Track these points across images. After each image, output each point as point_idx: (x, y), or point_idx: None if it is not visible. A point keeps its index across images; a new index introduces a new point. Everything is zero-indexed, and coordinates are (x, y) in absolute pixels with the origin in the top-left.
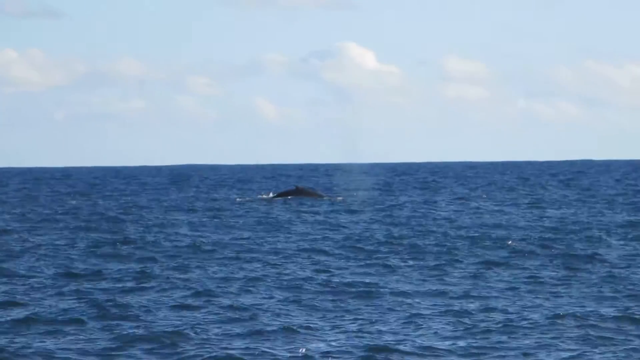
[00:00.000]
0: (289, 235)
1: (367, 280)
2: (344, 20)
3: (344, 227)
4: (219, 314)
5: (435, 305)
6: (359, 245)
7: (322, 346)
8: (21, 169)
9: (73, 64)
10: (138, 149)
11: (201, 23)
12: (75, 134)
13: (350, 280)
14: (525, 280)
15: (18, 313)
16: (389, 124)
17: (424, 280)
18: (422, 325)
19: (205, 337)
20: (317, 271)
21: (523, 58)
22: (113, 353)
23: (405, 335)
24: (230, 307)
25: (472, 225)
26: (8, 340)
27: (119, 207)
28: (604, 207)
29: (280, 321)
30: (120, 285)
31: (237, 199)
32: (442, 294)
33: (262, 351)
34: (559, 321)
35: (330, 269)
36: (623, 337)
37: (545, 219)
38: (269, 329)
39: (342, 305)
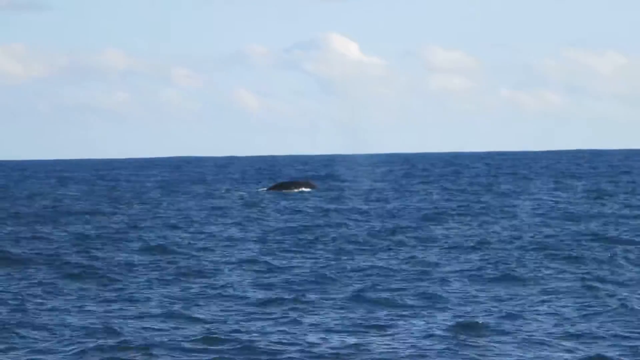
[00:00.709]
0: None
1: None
2: (327, 11)
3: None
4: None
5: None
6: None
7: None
8: (2, 162)
9: (56, 56)
10: (122, 141)
11: (184, 14)
12: (58, 127)
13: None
14: None
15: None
16: (373, 115)
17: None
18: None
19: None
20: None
21: (507, 48)
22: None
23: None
24: None
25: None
26: None
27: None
28: None
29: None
30: None
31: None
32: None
33: None
34: None
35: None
36: None
37: None
38: None
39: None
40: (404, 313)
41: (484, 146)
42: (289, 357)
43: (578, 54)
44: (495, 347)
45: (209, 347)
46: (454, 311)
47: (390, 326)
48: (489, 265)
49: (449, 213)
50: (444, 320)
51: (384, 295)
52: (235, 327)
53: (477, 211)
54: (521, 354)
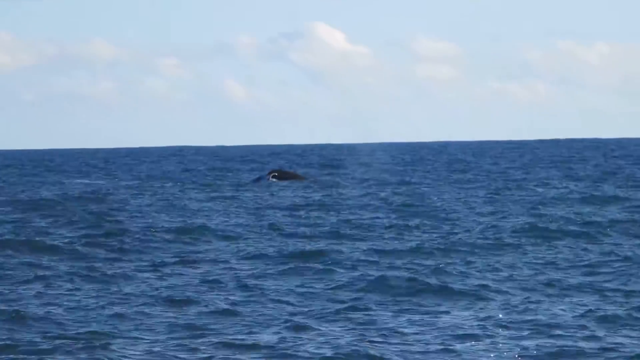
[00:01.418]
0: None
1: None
2: (312, 1)
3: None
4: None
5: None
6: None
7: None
8: None
9: (43, 45)
10: (108, 131)
11: (170, 4)
12: (45, 116)
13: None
14: None
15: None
16: (359, 105)
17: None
18: None
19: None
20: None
21: (494, 38)
22: None
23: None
24: None
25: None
26: None
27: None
28: None
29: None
30: None
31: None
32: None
33: None
34: None
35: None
36: None
37: None
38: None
39: None
40: None
41: (472, 136)
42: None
43: (566, 44)
44: None
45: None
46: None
47: None
48: None
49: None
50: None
51: None
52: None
53: None
54: None
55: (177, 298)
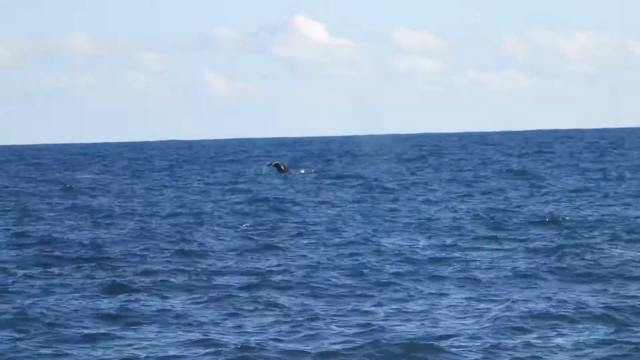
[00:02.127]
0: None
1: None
2: None
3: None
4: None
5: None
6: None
7: None
8: None
9: (21, 40)
10: (87, 126)
11: None
12: (24, 112)
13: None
14: None
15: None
16: (341, 97)
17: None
18: None
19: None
20: None
21: (473, 29)
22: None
23: None
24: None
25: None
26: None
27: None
28: None
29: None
30: None
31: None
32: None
33: None
34: None
35: None
36: None
37: None
38: None
39: None
40: None
41: (453, 127)
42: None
43: (543, 33)
44: None
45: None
46: None
47: None
48: None
49: None
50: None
51: None
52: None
53: None
54: None
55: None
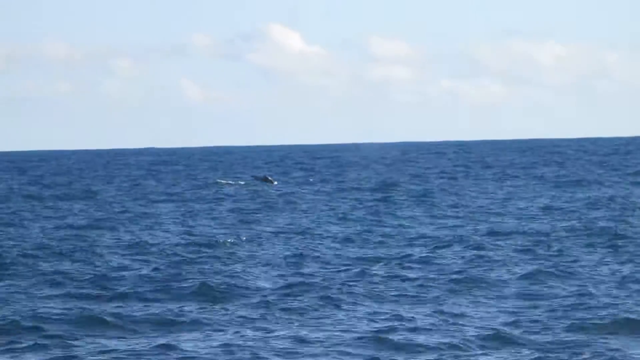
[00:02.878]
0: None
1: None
2: (268, 1)
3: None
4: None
5: None
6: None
7: None
8: None
9: None
10: (61, 133)
11: (125, 3)
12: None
13: None
14: None
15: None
16: (314, 106)
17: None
18: None
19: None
20: None
21: (447, 37)
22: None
23: None
24: None
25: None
26: None
27: None
28: None
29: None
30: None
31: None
32: None
33: None
34: None
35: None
36: None
37: None
38: None
39: None
40: None
41: (428, 136)
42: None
43: (518, 43)
44: None
45: None
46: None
47: None
48: None
49: None
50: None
51: None
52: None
53: None
54: None
55: None
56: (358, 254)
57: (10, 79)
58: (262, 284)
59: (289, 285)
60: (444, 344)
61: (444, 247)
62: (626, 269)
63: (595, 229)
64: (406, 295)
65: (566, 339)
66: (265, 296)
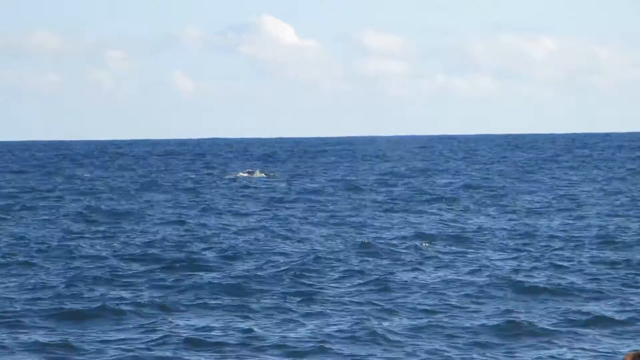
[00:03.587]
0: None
1: None
2: None
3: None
4: None
5: None
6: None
7: None
8: None
9: None
10: (53, 124)
11: None
12: None
13: None
14: None
15: None
16: (307, 100)
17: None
18: None
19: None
20: None
21: (441, 32)
22: None
23: None
24: None
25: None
26: None
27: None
28: None
29: None
30: None
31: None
32: None
33: None
34: None
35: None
36: None
37: None
38: None
39: None
40: None
41: (420, 130)
42: None
43: (511, 38)
44: None
45: None
46: None
47: None
48: None
49: None
50: None
51: None
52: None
53: None
54: None
55: None
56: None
57: (1, 70)
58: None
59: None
60: None
61: None
62: None
63: None
64: None
65: None
66: None
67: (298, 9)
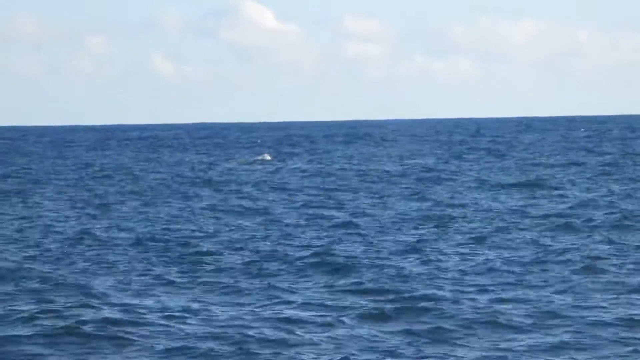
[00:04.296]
0: None
1: None
2: None
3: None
4: None
5: None
6: None
7: None
8: None
9: None
10: (36, 110)
11: None
12: None
13: None
14: None
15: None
16: (288, 84)
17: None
18: None
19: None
20: None
21: (420, 15)
22: None
23: None
24: None
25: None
26: None
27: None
28: None
29: None
30: None
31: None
32: None
33: None
34: None
35: None
36: None
37: None
38: None
39: None
40: None
41: (401, 114)
42: None
43: (492, 20)
44: None
45: None
46: None
47: None
48: None
49: None
50: None
51: None
52: None
53: None
54: None
55: None
56: None
57: None
58: None
59: None
60: None
61: None
62: None
63: None
64: None
65: None
66: None
67: None
